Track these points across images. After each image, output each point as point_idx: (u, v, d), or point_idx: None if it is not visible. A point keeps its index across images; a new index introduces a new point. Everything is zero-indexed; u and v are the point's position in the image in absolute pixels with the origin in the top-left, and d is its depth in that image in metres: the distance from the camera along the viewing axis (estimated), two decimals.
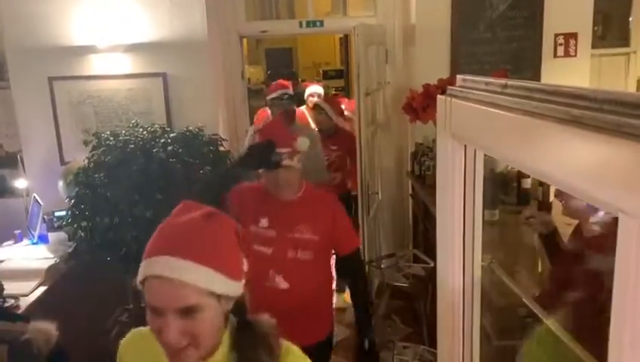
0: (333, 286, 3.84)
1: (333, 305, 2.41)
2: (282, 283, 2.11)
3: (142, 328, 1.16)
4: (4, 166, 4.20)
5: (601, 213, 1.86)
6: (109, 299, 3.30)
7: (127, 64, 3.83)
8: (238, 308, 1.10)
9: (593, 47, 4.06)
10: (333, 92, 6.93)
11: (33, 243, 3.23)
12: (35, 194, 3.46)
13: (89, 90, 3.84)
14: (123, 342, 1.20)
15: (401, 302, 3.81)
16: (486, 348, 1.02)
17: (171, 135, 3.13)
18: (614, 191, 0.50)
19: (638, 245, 0.48)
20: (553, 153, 0.60)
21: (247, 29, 4.41)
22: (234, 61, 4.34)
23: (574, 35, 3.87)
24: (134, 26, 3.78)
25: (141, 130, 3.17)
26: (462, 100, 0.87)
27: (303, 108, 4.90)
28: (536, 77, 3.89)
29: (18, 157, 3.95)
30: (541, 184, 3.02)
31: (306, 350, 1.16)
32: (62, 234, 3.27)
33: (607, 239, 1.78)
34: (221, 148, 3.32)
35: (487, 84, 0.81)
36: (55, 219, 3.43)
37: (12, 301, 2.52)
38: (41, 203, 3.32)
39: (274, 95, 3.84)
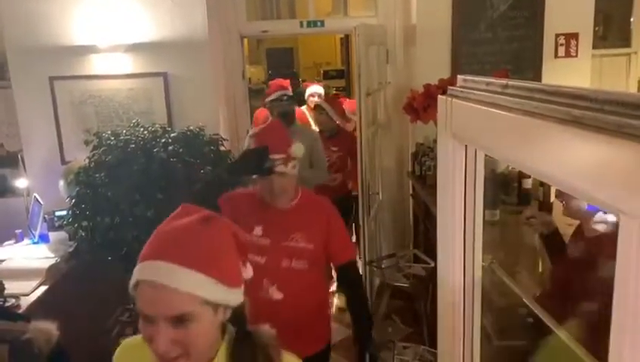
0: (332, 288, 3.86)
1: (331, 316, 2.31)
2: (276, 294, 2.03)
3: (135, 336, 1.11)
4: (5, 165, 4.21)
5: (601, 213, 1.86)
6: (110, 299, 3.30)
7: (128, 64, 3.83)
8: (237, 317, 1.05)
9: (594, 47, 4.06)
10: (334, 92, 6.93)
11: (34, 243, 3.23)
12: (35, 194, 3.46)
13: (90, 90, 3.85)
14: (116, 353, 1.16)
15: (402, 302, 3.81)
16: (486, 348, 1.02)
17: (172, 135, 3.13)
18: (615, 191, 0.50)
19: (639, 246, 0.48)
20: (554, 153, 0.60)
21: (248, 28, 4.41)
22: (235, 61, 4.34)
23: (575, 36, 3.87)
24: (135, 26, 3.78)
25: (142, 129, 3.17)
26: (463, 100, 0.87)
27: (304, 108, 4.90)
28: (537, 77, 3.89)
29: (19, 156, 3.96)
30: (542, 184, 3.02)
31: None
32: (62, 234, 3.27)
33: (607, 239, 1.78)
34: (222, 148, 3.32)
35: (487, 84, 0.81)
36: (56, 219, 3.43)
37: (13, 300, 2.52)
38: (42, 202, 3.33)
39: (273, 97, 3.75)
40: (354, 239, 4.56)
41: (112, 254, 2.93)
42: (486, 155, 0.87)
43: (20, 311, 2.46)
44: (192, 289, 0.93)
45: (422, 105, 3.49)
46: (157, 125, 3.27)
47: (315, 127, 4.53)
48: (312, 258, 2.09)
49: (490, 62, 3.91)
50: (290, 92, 3.85)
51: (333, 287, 3.87)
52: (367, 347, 2.17)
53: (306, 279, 2.09)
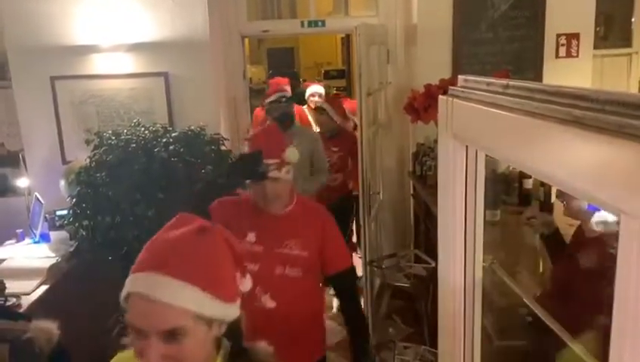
0: (331, 291, 3.84)
1: (325, 328, 2.23)
2: (269, 302, 1.96)
3: (127, 351, 1.06)
4: (6, 165, 4.21)
5: (601, 214, 1.86)
6: (111, 299, 3.28)
7: (129, 63, 3.83)
8: (233, 332, 1.01)
9: (595, 47, 4.06)
10: (335, 92, 6.93)
11: (35, 242, 3.24)
12: (36, 193, 3.46)
13: (91, 90, 3.85)
14: None
15: (402, 302, 3.81)
16: (487, 348, 1.02)
17: (173, 134, 3.14)
18: (616, 191, 0.50)
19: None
20: (555, 154, 0.60)
21: (249, 28, 4.41)
22: (236, 61, 4.34)
23: (576, 36, 3.86)
24: (136, 26, 3.78)
25: (143, 129, 3.18)
26: (463, 101, 0.87)
27: (305, 108, 4.91)
28: (538, 77, 3.89)
29: (20, 156, 3.96)
30: (543, 184, 3.02)
31: None
32: (63, 233, 3.27)
33: (608, 240, 1.78)
34: (223, 148, 3.32)
35: (488, 84, 0.81)
36: (57, 218, 3.44)
37: (14, 300, 2.52)
38: (43, 202, 3.33)
39: (271, 98, 3.69)
40: (355, 239, 4.57)
41: (112, 254, 2.93)
42: (487, 155, 0.87)
43: (21, 310, 2.47)
44: (186, 303, 0.90)
45: (423, 105, 3.49)
46: (158, 125, 3.28)
47: (316, 128, 4.53)
48: (307, 265, 2.03)
49: (491, 63, 3.90)
50: (289, 93, 3.80)
51: (332, 290, 3.87)
52: (363, 361, 2.09)
53: (301, 287, 2.03)
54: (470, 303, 0.96)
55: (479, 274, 0.95)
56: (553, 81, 3.79)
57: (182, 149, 3.02)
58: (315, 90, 4.88)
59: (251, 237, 2.01)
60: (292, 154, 2.02)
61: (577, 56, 3.89)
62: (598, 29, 4.36)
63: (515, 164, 0.93)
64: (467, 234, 0.93)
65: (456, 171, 0.92)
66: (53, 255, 3.03)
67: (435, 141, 3.59)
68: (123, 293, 0.94)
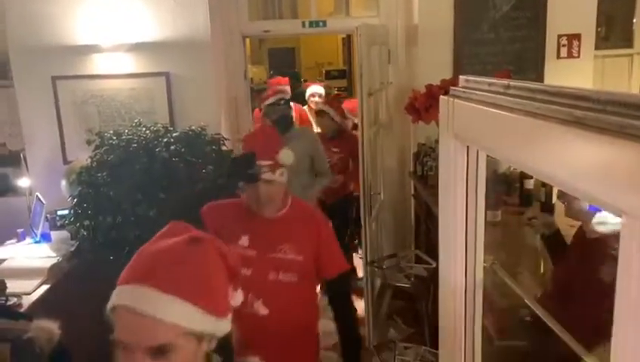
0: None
1: (319, 335, 2.17)
2: (261, 309, 1.90)
3: None
4: (8, 165, 4.21)
5: (602, 214, 1.86)
6: None
7: (131, 63, 3.83)
8: (223, 347, 0.98)
9: (596, 48, 4.05)
10: (336, 92, 6.94)
11: (36, 242, 3.24)
12: (37, 193, 3.47)
13: (92, 90, 3.85)
14: None
15: (403, 303, 3.81)
16: (487, 348, 1.02)
17: (174, 134, 3.14)
18: (617, 192, 0.50)
19: None
20: (556, 154, 0.60)
21: (250, 28, 4.42)
22: (237, 61, 4.34)
23: (577, 36, 3.86)
24: (137, 26, 3.78)
25: (144, 129, 3.18)
26: (464, 101, 0.87)
27: (305, 108, 4.91)
28: (540, 78, 3.89)
29: (21, 155, 3.96)
30: (544, 185, 3.02)
31: None
32: (64, 233, 3.28)
33: (609, 240, 1.78)
34: (223, 148, 3.33)
35: (489, 84, 0.81)
36: (58, 218, 3.44)
37: (15, 299, 2.52)
38: (44, 201, 3.33)
39: (270, 100, 3.59)
40: (355, 241, 4.57)
41: (113, 253, 2.93)
42: (488, 156, 0.87)
43: (22, 310, 2.47)
44: (176, 319, 0.86)
45: (424, 105, 3.49)
46: (159, 125, 3.28)
47: (317, 129, 4.53)
48: (302, 270, 1.97)
49: (493, 63, 3.90)
50: (288, 94, 3.74)
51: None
52: None
53: (295, 293, 1.96)
54: (471, 304, 0.95)
55: (480, 274, 0.95)
56: (554, 81, 3.79)
57: (183, 149, 3.02)
58: (315, 91, 4.88)
59: (244, 240, 1.96)
60: (286, 156, 1.96)
61: (579, 56, 3.89)
62: (599, 29, 4.36)
63: (516, 164, 0.93)
64: (468, 235, 0.93)
65: (457, 171, 0.92)
66: (54, 255, 3.03)
67: (436, 141, 3.59)
68: (109, 306, 0.90)
